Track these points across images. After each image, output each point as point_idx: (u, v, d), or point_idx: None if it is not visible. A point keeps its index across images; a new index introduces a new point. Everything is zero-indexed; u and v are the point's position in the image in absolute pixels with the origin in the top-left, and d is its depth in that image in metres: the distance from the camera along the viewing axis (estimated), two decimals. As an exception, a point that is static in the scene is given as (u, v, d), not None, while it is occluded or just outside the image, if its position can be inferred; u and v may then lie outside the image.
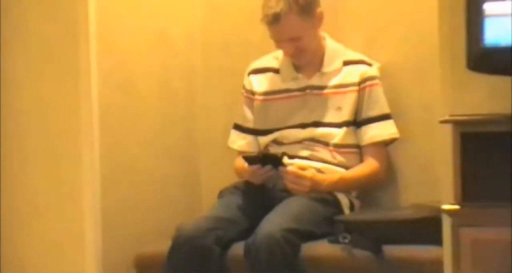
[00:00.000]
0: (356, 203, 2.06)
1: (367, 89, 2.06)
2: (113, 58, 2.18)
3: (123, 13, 2.26)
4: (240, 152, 2.16)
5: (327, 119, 2.07)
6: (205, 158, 2.45)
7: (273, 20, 2.01)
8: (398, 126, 2.09)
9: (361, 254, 1.85)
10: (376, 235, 1.88)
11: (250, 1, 2.24)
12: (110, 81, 2.16)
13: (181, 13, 2.46)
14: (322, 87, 2.08)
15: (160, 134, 2.33)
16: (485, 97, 1.54)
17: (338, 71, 2.09)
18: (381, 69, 2.15)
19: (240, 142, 2.18)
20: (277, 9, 1.99)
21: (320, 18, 2.07)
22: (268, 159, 2.01)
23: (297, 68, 2.12)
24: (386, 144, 2.10)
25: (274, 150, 2.09)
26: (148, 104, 2.30)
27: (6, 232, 2.11)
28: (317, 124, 2.07)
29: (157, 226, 2.22)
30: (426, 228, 1.82)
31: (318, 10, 2.05)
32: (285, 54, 2.09)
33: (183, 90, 2.44)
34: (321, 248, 1.89)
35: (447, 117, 1.51)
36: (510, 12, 1.42)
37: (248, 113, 2.17)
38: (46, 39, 2.14)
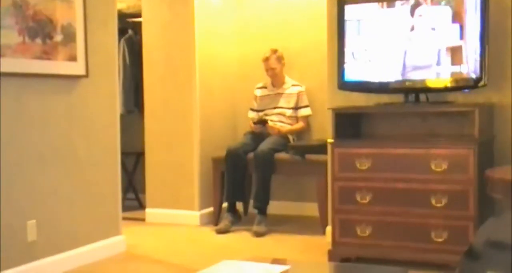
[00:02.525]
0: (295, 138, 5.22)
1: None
2: (211, 68, 5.27)
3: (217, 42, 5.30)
4: (251, 118, 5.30)
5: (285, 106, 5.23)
6: (242, 119, 5.61)
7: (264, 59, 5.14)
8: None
9: (297, 158, 5.02)
10: (302, 149, 5.04)
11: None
12: (208, 83, 5.25)
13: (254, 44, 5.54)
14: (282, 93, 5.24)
15: (227, 107, 5.45)
16: (344, 97, 4.55)
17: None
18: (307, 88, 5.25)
19: (252, 114, 5.32)
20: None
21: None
22: (261, 121, 5.17)
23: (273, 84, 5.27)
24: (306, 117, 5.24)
25: (264, 117, 5.23)
26: (228, 84, 5.42)
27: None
28: (279, 108, 5.23)
29: (222, 144, 5.33)
30: (321, 149, 4.94)
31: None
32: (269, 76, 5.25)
33: (244, 83, 5.56)
34: (282, 155, 4.98)
35: (330, 107, 4.59)
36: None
37: (255, 103, 5.31)
38: (171, 58, 5.21)
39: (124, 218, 4.44)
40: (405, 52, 3.80)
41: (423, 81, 3.77)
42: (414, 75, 3.79)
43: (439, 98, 3.91)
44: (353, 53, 3.92)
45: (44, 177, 3.67)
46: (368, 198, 3.73)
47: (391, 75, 3.85)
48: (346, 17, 3.93)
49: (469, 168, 3.50)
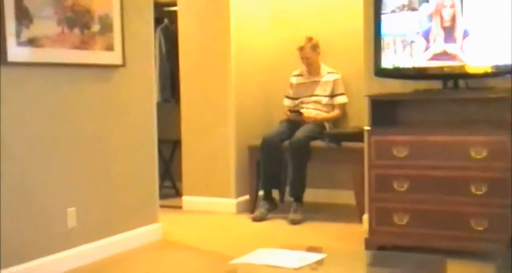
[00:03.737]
0: (330, 126, 5.18)
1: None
2: (245, 57, 5.26)
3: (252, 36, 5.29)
4: (287, 106, 5.28)
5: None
6: (278, 107, 5.60)
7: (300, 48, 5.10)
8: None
9: (332, 146, 4.98)
10: (338, 137, 5.01)
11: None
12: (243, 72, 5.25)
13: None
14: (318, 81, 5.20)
15: (263, 95, 5.45)
16: (380, 84, 4.49)
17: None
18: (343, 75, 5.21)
19: (287, 102, 5.30)
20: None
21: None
22: (297, 109, 5.15)
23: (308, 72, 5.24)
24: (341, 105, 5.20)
25: (300, 105, 5.20)
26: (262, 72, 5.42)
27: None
28: (315, 96, 5.20)
29: (257, 132, 5.33)
30: (357, 136, 4.89)
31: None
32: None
33: (280, 71, 5.55)
34: (318, 143, 4.97)
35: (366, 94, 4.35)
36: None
37: (290, 91, 5.29)
38: (207, 47, 5.21)
39: (161, 206, 4.49)
40: (444, 37, 3.73)
41: (462, 66, 3.70)
42: (452, 61, 3.72)
43: (479, 84, 3.83)
44: (389, 39, 3.86)
45: (83, 165, 3.72)
46: (405, 186, 3.69)
47: (429, 61, 3.79)
48: (383, 2, 3.86)
49: (510, 155, 3.43)
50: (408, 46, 3.83)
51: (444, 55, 3.73)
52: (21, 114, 3.37)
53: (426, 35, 3.78)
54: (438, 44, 3.74)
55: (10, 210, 3.31)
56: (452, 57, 3.70)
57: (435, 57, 3.76)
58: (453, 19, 3.69)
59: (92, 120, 3.79)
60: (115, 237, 3.95)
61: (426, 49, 3.78)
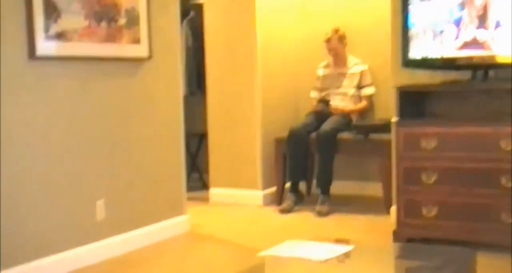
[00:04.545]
0: (358, 118, 5.15)
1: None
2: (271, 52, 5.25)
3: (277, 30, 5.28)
4: (314, 98, 5.25)
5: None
6: (305, 99, 5.58)
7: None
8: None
9: (360, 138, 4.96)
10: (365, 129, 4.98)
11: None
12: (270, 67, 5.24)
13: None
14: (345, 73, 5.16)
15: (289, 87, 5.44)
16: (408, 75, 4.45)
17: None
18: (370, 66, 5.17)
19: (314, 94, 5.27)
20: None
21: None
22: (324, 101, 5.13)
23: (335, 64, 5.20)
24: (369, 97, 5.16)
25: (327, 97, 5.18)
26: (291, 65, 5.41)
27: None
28: (342, 87, 5.16)
29: (284, 124, 5.31)
30: (385, 128, 4.87)
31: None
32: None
33: (306, 63, 5.53)
34: (345, 135, 4.94)
35: (394, 86, 4.39)
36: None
37: (317, 83, 5.26)
38: (233, 39, 5.20)
39: (189, 198, 4.51)
40: (472, 27, 3.67)
41: (492, 56, 3.64)
42: (482, 51, 3.66)
43: (509, 74, 3.76)
44: (418, 29, 3.81)
45: (111, 158, 3.76)
46: (433, 178, 3.66)
47: (458, 51, 3.74)
48: (410, -7, 3.82)
49: (541, 147, 3.37)
50: (438, 35, 3.77)
51: (474, 44, 3.67)
52: (50, 107, 3.40)
53: (457, 23, 3.72)
54: (469, 32, 3.68)
55: (40, 203, 3.35)
56: (482, 46, 3.65)
57: (466, 46, 3.70)
58: (485, 8, 3.62)
59: (119, 113, 3.82)
60: (144, 229, 3.99)
61: (457, 38, 3.72)
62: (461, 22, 3.70)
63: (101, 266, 3.57)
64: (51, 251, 3.40)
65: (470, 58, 3.70)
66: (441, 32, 3.76)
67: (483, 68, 3.74)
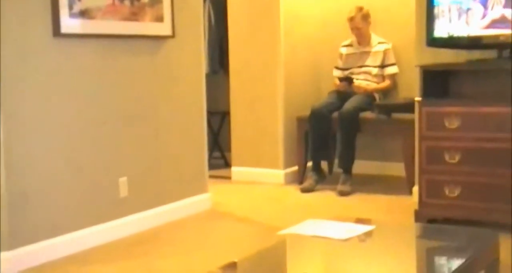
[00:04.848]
0: (381, 97, 5.12)
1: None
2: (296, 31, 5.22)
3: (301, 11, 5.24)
4: (336, 77, 5.22)
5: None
6: (327, 78, 5.55)
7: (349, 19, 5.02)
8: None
9: (382, 117, 4.93)
10: (388, 108, 4.94)
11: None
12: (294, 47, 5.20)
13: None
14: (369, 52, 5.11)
15: (311, 66, 5.41)
16: (432, 54, 4.39)
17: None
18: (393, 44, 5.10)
19: (336, 73, 5.24)
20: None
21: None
22: (347, 79, 5.09)
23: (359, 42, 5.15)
24: (392, 76, 5.11)
25: (350, 76, 5.14)
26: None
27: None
28: (365, 66, 5.12)
29: (306, 103, 5.29)
30: (408, 107, 4.82)
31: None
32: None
33: (329, 42, 5.50)
34: (367, 114, 4.92)
35: (417, 65, 4.32)
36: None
37: (340, 62, 5.23)
38: (255, 18, 5.17)
39: (211, 176, 4.54)
40: (498, 5, 3.60)
41: (519, 35, 3.58)
42: (509, 30, 3.60)
43: (536, 53, 3.70)
44: (444, 7, 3.75)
45: (134, 136, 3.78)
46: (457, 158, 3.63)
47: (484, 30, 3.68)
48: (436, -30, 3.75)
49: None
50: (464, 13, 3.71)
51: (502, 22, 3.61)
52: (74, 85, 3.43)
53: (484, 1, 3.65)
54: (497, 10, 3.62)
55: (64, 181, 3.40)
56: (510, 24, 3.58)
57: (493, 24, 3.64)
58: (511, -14, 3.55)
59: (142, 91, 3.84)
60: (166, 207, 4.02)
61: (484, 16, 3.66)
62: (488, 1, 3.63)
63: (123, 243, 3.62)
64: (74, 227, 3.46)
65: (497, 36, 3.64)
66: (468, 9, 3.69)
67: (509, 47, 3.67)
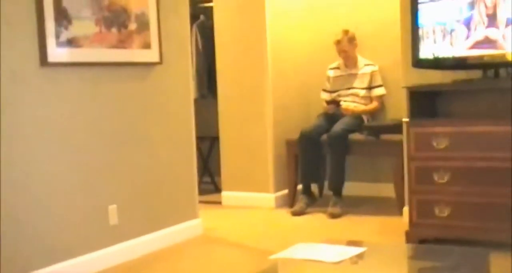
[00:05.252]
0: (369, 118, 5.14)
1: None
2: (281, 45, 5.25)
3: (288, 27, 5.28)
4: (324, 99, 5.25)
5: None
6: (315, 101, 5.57)
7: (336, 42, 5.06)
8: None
9: (371, 138, 4.95)
10: (377, 129, 4.97)
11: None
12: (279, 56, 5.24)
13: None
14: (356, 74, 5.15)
15: (300, 89, 5.43)
16: (419, 75, 4.43)
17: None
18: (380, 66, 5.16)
19: (324, 95, 5.27)
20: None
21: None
22: (334, 102, 5.12)
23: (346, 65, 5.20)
24: (380, 97, 5.15)
25: (338, 98, 5.17)
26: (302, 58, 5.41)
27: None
28: (353, 88, 5.15)
29: (295, 126, 5.31)
30: (396, 128, 4.85)
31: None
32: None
33: (316, 64, 5.52)
34: (356, 136, 4.93)
35: (404, 86, 4.17)
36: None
37: (328, 84, 5.26)
38: (243, 42, 5.20)
39: (201, 202, 4.52)
40: (481, 26, 3.65)
41: (503, 55, 3.62)
42: (494, 49, 3.64)
43: (520, 73, 3.74)
44: (428, 29, 3.80)
45: (123, 163, 3.77)
46: (446, 178, 3.64)
47: (469, 50, 3.72)
48: (419, -7, 3.81)
49: (554, 145, 3.34)
50: (448, 35, 3.76)
51: (485, 42, 3.65)
52: (62, 113, 3.43)
53: (468, 23, 3.70)
54: (480, 31, 3.67)
55: (53, 208, 3.37)
56: (493, 44, 3.63)
57: (476, 45, 3.69)
58: (495, 6, 3.61)
59: (131, 117, 3.84)
60: (157, 233, 4.00)
61: (467, 37, 3.71)
62: (471, 22, 3.68)
63: (114, 271, 3.58)
64: (64, 256, 3.42)
65: (481, 57, 3.69)
66: (452, 31, 3.74)
67: (494, 67, 3.72)
